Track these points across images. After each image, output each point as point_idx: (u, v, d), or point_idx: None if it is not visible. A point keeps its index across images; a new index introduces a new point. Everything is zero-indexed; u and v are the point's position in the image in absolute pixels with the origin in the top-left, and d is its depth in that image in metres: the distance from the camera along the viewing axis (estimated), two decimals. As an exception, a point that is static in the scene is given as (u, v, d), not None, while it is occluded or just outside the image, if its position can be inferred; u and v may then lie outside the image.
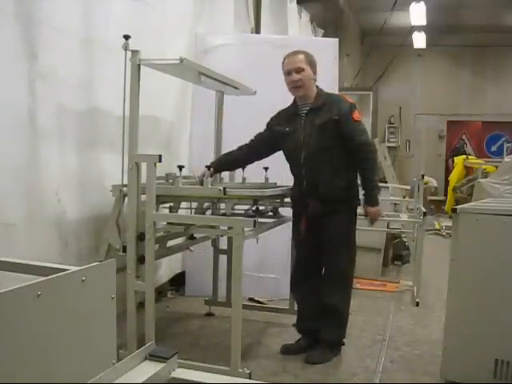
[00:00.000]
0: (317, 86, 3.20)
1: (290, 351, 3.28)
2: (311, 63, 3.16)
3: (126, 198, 2.80)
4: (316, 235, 3.19)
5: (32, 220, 2.73)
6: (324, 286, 3.22)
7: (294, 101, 3.24)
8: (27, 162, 2.71)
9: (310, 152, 3.11)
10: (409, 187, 6.86)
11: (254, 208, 3.04)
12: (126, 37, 2.61)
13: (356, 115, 3.09)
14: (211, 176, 3.19)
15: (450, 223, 6.90)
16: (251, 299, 4.25)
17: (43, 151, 2.80)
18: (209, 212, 3.31)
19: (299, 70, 3.11)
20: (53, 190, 2.87)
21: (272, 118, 3.33)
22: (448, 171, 11.90)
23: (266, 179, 3.48)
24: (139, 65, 2.66)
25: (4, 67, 2.54)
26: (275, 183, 3.45)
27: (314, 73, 3.17)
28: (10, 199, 2.58)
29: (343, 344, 3.30)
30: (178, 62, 2.66)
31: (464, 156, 10.48)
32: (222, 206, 3.09)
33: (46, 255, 2.72)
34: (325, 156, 3.09)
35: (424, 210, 4.65)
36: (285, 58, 3.18)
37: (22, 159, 2.68)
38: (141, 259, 2.75)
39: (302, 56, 3.15)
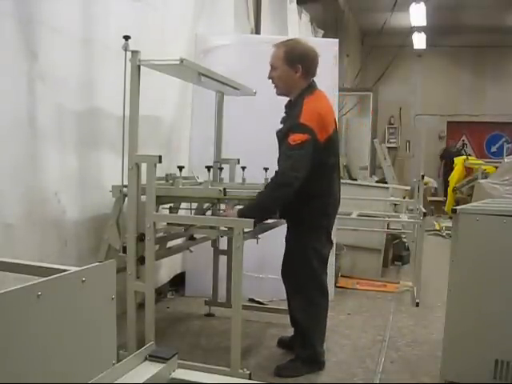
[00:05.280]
0: (311, 85, 2.84)
1: (284, 345, 3.28)
2: (292, 60, 2.78)
3: (126, 199, 2.81)
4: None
5: (31, 220, 2.72)
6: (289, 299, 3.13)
7: None
8: (26, 162, 2.71)
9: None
10: (409, 188, 6.86)
11: (253, 208, 3.03)
12: (126, 37, 2.62)
13: (293, 138, 2.67)
14: None
15: (450, 224, 6.90)
16: (251, 300, 4.25)
17: (42, 151, 2.80)
18: (209, 213, 3.31)
19: (272, 68, 2.87)
20: (52, 190, 2.87)
21: None
22: (446, 172, 11.87)
23: (266, 180, 3.47)
24: (139, 65, 2.66)
25: (3, 67, 2.54)
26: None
27: (296, 71, 2.79)
28: (9, 199, 2.57)
29: (320, 362, 3.02)
30: (177, 62, 2.66)
31: (464, 157, 10.47)
32: (222, 206, 3.09)
33: (44, 255, 2.73)
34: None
35: (424, 210, 4.65)
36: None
37: (21, 159, 2.68)
38: (141, 260, 2.76)
39: (281, 51, 2.81)
